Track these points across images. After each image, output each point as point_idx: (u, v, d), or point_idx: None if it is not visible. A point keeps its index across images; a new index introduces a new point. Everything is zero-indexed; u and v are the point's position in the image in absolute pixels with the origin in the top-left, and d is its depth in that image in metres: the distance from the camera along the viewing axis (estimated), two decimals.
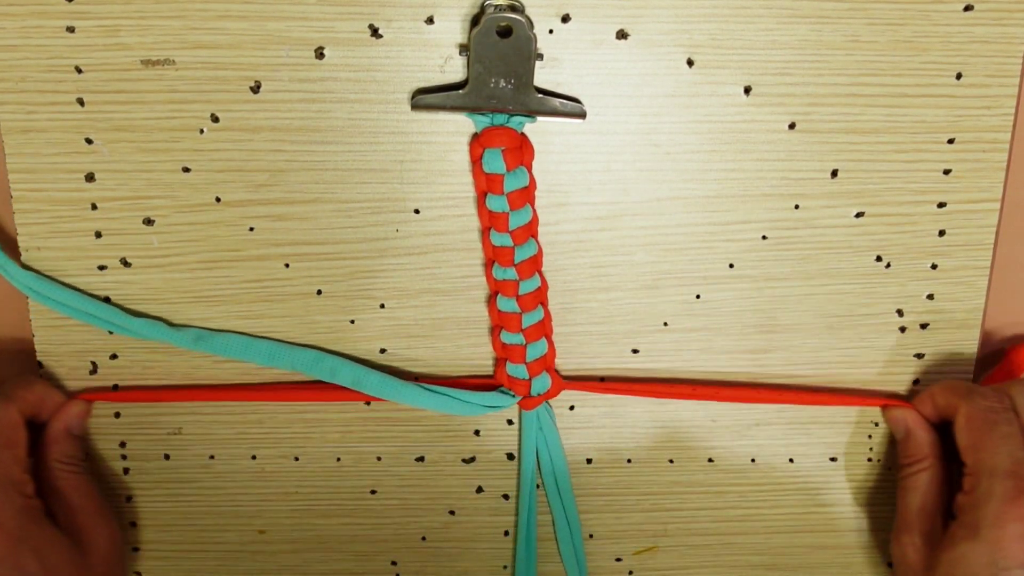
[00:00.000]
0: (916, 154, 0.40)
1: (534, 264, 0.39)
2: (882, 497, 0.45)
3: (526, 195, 0.38)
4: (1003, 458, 0.36)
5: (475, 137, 0.37)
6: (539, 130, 0.38)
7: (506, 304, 0.39)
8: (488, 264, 0.39)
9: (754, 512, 0.45)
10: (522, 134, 0.37)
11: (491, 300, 0.40)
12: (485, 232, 0.39)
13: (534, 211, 0.39)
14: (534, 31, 0.36)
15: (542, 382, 0.41)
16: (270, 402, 0.42)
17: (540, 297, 0.40)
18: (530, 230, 0.39)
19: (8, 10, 0.36)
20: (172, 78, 0.37)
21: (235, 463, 0.43)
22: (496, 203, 0.37)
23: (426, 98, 0.37)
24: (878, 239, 0.41)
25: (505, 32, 0.35)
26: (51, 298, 0.40)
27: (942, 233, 0.41)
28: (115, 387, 0.42)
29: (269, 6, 0.36)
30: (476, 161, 0.37)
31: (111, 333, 0.41)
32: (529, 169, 0.38)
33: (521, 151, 0.37)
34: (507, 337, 0.40)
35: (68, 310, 0.40)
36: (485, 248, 0.39)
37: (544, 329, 0.40)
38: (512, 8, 0.36)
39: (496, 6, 0.36)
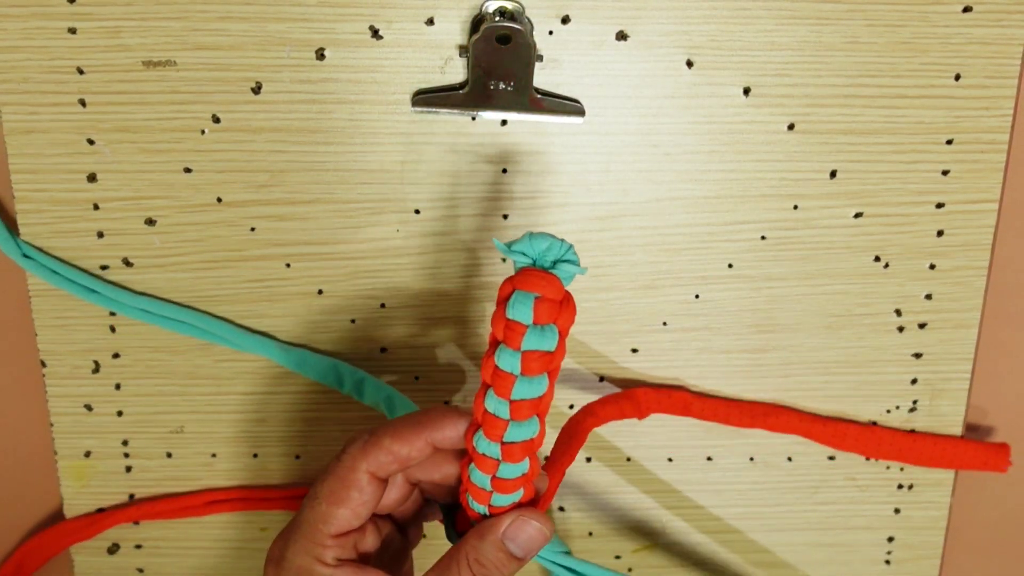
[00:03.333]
0: (915, 155, 0.40)
1: (527, 449, 0.31)
2: (880, 496, 0.45)
3: (546, 363, 0.29)
4: None
5: (504, 281, 0.29)
6: (539, 130, 0.39)
7: (479, 477, 0.32)
8: (476, 413, 0.31)
9: (752, 511, 0.45)
10: (567, 292, 0.29)
11: (468, 431, 0.32)
12: (482, 388, 0.30)
13: (551, 387, 0.30)
14: (534, 35, 0.36)
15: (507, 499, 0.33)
16: (272, 401, 0.42)
17: (525, 481, 0.32)
18: (536, 408, 0.30)
19: (10, 11, 0.36)
20: (174, 79, 0.37)
21: (237, 461, 0.43)
22: (506, 360, 0.29)
23: (426, 99, 0.37)
24: (877, 239, 0.41)
25: (504, 39, 0.35)
26: (58, 273, 0.40)
27: (940, 233, 0.41)
28: (132, 496, 0.42)
29: (270, 7, 0.36)
30: (501, 302, 0.29)
31: (113, 331, 0.41)
32: (562, 337, 0.29)
33: (560, 308, 0.29)
34: (476, 484, 0.32)
35: (71, 286, 0.40)
36: (475, 409, 0.31)
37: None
38: (512, 17, 0.36)
39: (496, 11, 0.36)
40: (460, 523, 0.34)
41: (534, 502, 0.33)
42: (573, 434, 0.38)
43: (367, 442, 0.32)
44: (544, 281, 0.28)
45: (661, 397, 0.42)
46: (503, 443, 0.30)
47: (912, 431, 0.44)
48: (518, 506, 0.32)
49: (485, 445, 0.30)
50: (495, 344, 0.29)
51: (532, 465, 0.31)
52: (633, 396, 0.41)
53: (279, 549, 0.32)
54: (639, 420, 0.42)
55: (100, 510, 0.44)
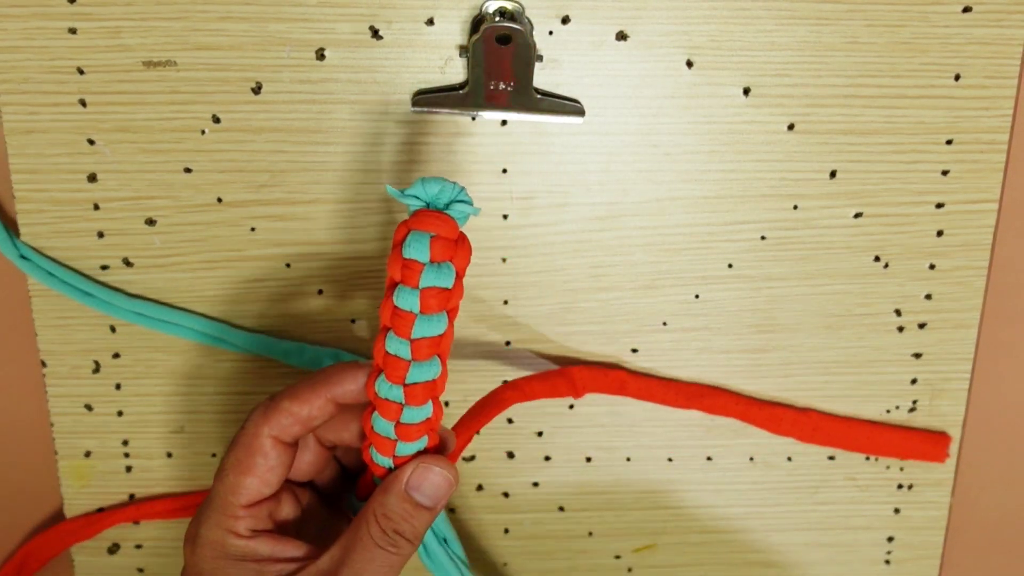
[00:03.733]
0: (914, 155, 0.40)
1: (430, 391, 0.31)
2: (880, 496, 0.45)
3: (445, 301, 0.29)
4: None
5: (399, 224, 0.30)
6: (539, 131, 0.39)
7: (382, 426, 0.31)
8: (377, 357, 0.31)
9: (752, 510, 0.45)
10: (462, 232, 0.30)
11: (369, 379, 0.31)
12: (381, 332, 0.30)
13: (450, 326, 0.30)
14: (534, 35, 0.36)
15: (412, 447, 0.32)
16: None
17: (429, 427, 0.32)
18: (437, 347, 0.30)
19: (10, 12, 0.36)
20: (174, 79, 0.37)
21: None
22: (405, 299, 0.29)
23: (426, 99, 0.37)
24: (876, 239, 0.41)
25: (504, 39, 0.35)
26: (54, 276, 0.40)
27: (940, 233, 0.41)
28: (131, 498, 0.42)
29: (270, 8, 0.36)
30: (397, 245, 0.29)
31: (113, 331, 0.41)
32: (459, 276, 0.30)
33: (455, 247, 0.29)
34: (379, 433, 0.32)
35: (70, 290, 0.40)
36: (376, 354, 0.30)
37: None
38: (512, 17, 0.36)
39: (496, 11, 0.36)
40: (362, 489, 0.34)
41: (439, 452, 0.33)
42: (490, 403, 0.38)
43: (267, 407, 0.31)
44: (439, 221, 0.29)
45: (597, 376, 0.41)
46: (405, 385, 0.30)
47: (849, 417, 0.44)
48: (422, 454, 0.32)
49: (387, 389, 0.30)
50: (392, 286, 0.30)
51: (435, 410, 0.31)
52: (568, 374, 0.41)
53: (194, 527, 0.32)
54: (575, 399, 0.42)
55: (100, 510, 0.44)
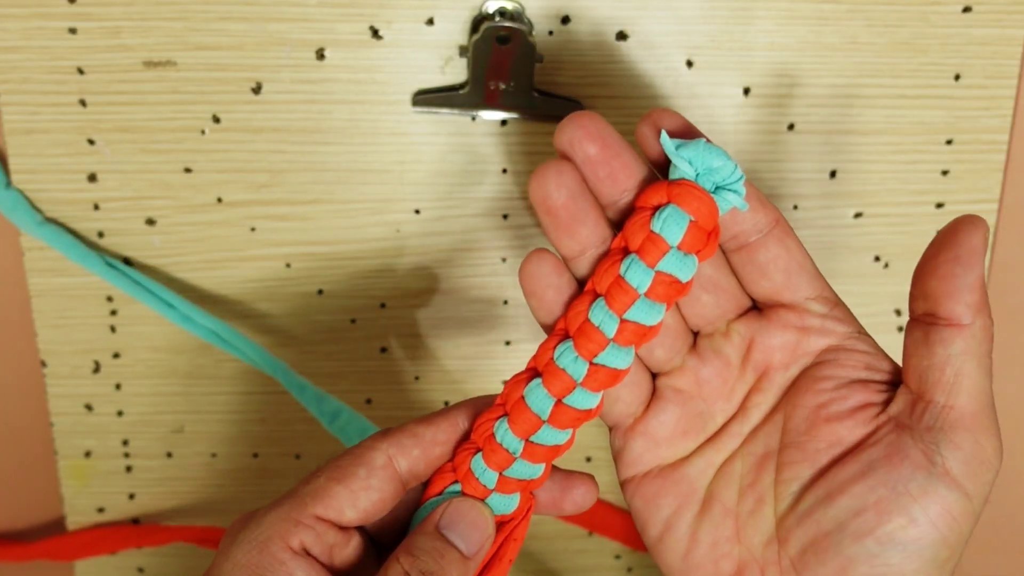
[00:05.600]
0: (914, 155, 0.40)
1: (611, 379, 0.26)
2: None
3: (675, 293, 0.26)
4: None
5: (656, 184, 0.26)
6: (539, 130, 0.39)
7: (539, 402, 0.27)
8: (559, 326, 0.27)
9: None
10: (716, 225, 0.26)
11: (544, 346, 0.27)
12: (585, 299, 0.26)
13: (660, 325, 0.26)
14: (534, 35, 0.36)
15: (505, 503, 0.28)
16: (272, 401, 0.42)
17: (567, 443, 0.28)
18: (643, 337, 0.26)
19: (10, 12, 0.36)
20: (174, 79, 0.37)
21: (237, 461, 0.43)
22: (636, 273, 0.25)
23: (426, 99, 0.37)
24: (876, 239, 0.41)
25: (504, 39, 0.35)
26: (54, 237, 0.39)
27: None
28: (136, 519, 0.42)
29: (270, 8, 0.36)
30: (646, 209, 0.26)
31: (113, 331, 0.41)
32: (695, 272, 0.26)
33: (707, 239, 0.26)
34: (501, 430, 0.27)
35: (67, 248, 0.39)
36: (570, 319, 0.26)
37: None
38: (512, 17, 0.36)
39: (496, 11, 0.36)
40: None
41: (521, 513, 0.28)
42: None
43: (391, 428, 0.28)
44: (704, 206, 0.25)
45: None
46: (591, 364, 0.26)
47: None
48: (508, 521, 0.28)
49: (571, 359, 0.26)
50: (623, 252, 0.26)
51: (571, 435, 0.27)
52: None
53: (241, 523, 0.27)
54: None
55: (100, 510, 0.44)
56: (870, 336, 0.28)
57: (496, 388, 0.42)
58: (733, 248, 0.27)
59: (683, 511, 0.28)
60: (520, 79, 0.37)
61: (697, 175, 0.25)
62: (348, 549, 0.27)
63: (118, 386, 0.42)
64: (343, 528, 0.27)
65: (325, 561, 0.26)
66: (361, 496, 0.27)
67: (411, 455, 0.27)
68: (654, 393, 0.29)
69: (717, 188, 0.25)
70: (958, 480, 0.25)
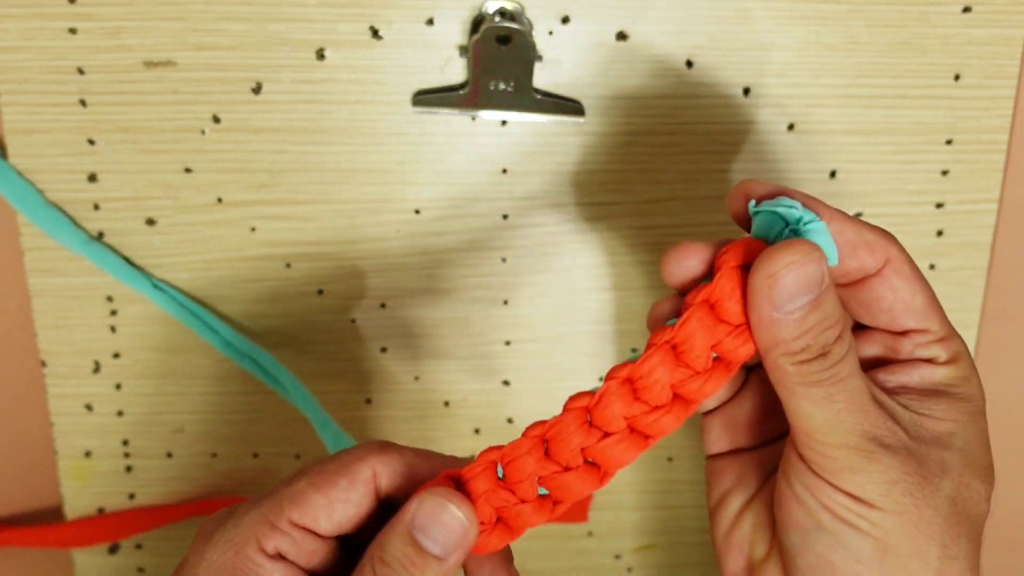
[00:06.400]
0: (914, 155, 0.40)
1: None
2: None
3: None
4: None
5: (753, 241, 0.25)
6: (539, 130, 0.39)
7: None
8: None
9: None
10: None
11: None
12: (656, 348, 0.25)
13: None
14: (534, 35, 0.36)
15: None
16: (272, 401, 0.42)
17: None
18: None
19: (10, 12, 0.36)
20: (174, 79, 0.37)
21: (237, 461, 0.43)
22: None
23: (426, 99, 0.38)
24: None
25: (504, 39, 0.36)
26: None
27: (940, 233, 0.41)
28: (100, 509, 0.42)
29: (270, 8, 0.36)
30: (738, 264, 0.25)
31: (113, 331, 0.41)
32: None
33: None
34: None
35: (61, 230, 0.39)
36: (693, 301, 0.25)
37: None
38: (512, 17, 0.36)
39: (496, 11, 0.36)
40: None
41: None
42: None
43: (384, 443, 0.27)
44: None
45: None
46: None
47: None
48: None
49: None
50: (707, 305, 0.25)
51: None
52: None
53: (214, 523, 0.27)
54: None
55: (100, 510, 0.44)
56: (969, 365, 0.28)
57: (496, 388, 0.42)
58: (838, 282, 0.27)
59: (737, 491, 0.29)
60: (520, 79, 0.37)
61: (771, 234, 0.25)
62: (326, 552, 0.27)
63: (118, 386, 0.42)
64: (320, 539, 0.26)
65: (303, 564, 0.26)
66: (338, 508, 0.26)
67: (395, 474, 0.27)
68: (745, 381, 0.30)
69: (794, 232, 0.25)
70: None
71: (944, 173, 0.40)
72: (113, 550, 0.45)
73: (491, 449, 0.26)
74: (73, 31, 0.37)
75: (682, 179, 0.40)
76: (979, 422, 0.28)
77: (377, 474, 0.27)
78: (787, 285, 0.24)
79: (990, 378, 0.44)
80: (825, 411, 0.24)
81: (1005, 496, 0.47)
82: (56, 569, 0.45)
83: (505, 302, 0.41)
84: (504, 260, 0.41)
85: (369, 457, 0.27)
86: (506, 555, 0.29)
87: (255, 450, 0.43)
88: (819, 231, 0.25)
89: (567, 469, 0.26)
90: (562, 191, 0.40)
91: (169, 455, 0.43)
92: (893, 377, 0.27)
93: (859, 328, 0.28)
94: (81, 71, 0.37)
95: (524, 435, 0.26)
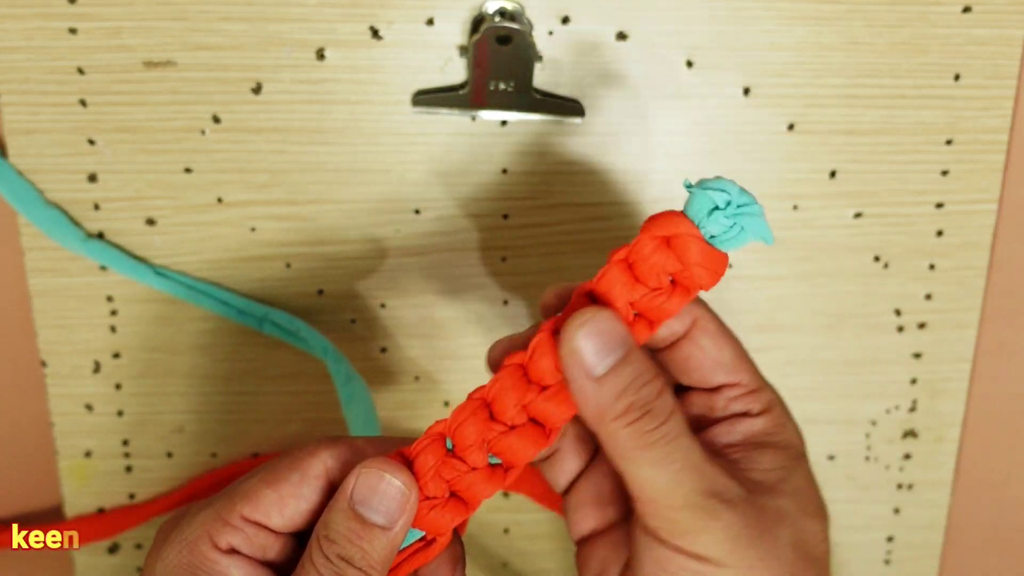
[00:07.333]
0: (914, 155, 0.40)
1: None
2: (880, 496, 0.45)
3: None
4: None
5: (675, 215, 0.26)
6: (539, 130, 0.39)
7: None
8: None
9: None
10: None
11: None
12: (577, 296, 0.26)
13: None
14: (534, 35, 0.36)
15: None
16: (272, 401, 0.42)
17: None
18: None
19: (11, 12, 0.36)
20: (174, 79, 0.37)
21: (237, 461, 0.43)
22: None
23: (426, 99, 0.38)
24: (876, 239, 0.41)
25: (504, 39, 0.36)
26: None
27: (940, 233, 0.41)
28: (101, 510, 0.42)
29: (270, 8, 0.36)
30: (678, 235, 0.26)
31: (113, 331, 0.41)
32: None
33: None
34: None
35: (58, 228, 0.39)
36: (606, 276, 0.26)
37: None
38: (512, 17, 0.36)
39: (496, 11, 0.36)
40: None
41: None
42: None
43: (335, 437, 0.28)
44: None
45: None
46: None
47: None
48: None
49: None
50: (624, 263, 0.26)
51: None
52: None
53: (172, 523, 0.27)
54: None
55: (100, 510, 0.44)
56: (783, 413, 0.29)
57: None
58: (653, 347, 0.29)
59: (613, 565, 0.29)
60: (520, 79, 0.37)
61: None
62: (281, 545, 0.27)
63: (118, 386, 0.42)
64: (274, 534, 0.27)
65: (258, 558, 0.26)
66: (289, 503, 0.26)
67: (348, 466, 0.26)
68: (593, 456, 0.30)
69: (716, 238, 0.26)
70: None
71: (944, 173, 0.40)
72: (113, 550, 0.45)
73: (437, 422, 0.27)
74: (73, 31, 0.37)
75: (682, 179, 0.40)
76: (803, 465, 0.28)
77: (329, 468, 0.27)
78: (589, 350, 0.24)
79: (990, 378, 0.44)
80: (664, 473, 0.25)
81: (1005, 496, 0.47)
82: (56, 569, 0.45)
83: (505, 302, 0.41)
84: (504, 260, 0.41)
85: (320, 452, 0.27)
86: (458, 557, 0.29)
87: (255, 450, 0.43)
88: (753, 214, 0.25)
89: (512, 428, 0.26)
90: (562, 191, 0.40)
91: (169, 455, 0.43)
92: (719, 438, 0.28)
93: (680, 390, 0.30)
94: (81, 71, 0.37)
95: (467, 399, 0.27)
